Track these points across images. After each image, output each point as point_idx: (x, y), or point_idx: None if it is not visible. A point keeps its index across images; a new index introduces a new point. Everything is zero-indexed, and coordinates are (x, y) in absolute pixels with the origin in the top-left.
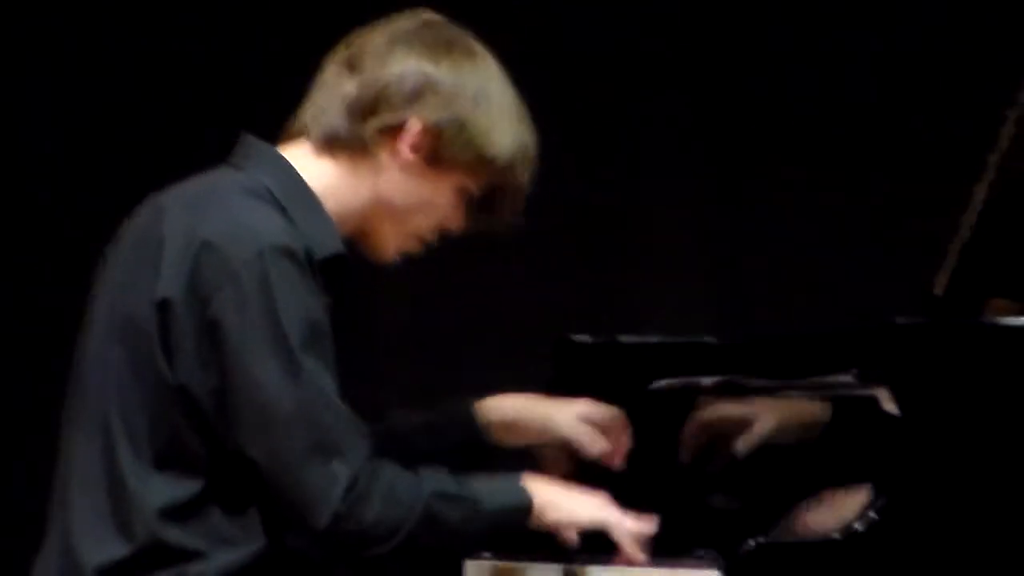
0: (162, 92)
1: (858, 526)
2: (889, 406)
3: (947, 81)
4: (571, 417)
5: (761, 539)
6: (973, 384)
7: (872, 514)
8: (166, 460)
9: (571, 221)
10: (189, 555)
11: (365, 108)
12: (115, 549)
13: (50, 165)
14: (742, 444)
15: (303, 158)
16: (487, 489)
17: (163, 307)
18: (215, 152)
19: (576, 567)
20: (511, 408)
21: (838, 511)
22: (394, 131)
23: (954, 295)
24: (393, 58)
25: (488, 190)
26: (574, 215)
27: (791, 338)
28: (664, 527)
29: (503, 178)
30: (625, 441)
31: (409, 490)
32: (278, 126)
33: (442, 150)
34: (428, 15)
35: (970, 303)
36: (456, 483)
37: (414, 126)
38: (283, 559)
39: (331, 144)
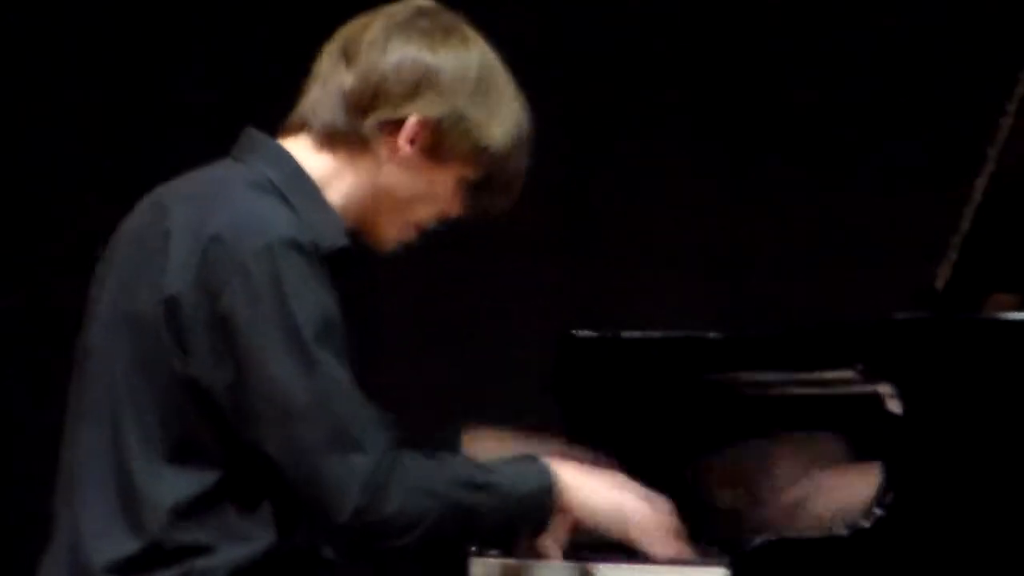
0: (162, 92)
1: (864, 523)
2: (892, 402)
3: (947, 80)
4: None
5: (768, 536)
6: (975, 379)
7: (878, 511)
8: (178, 456)
9: (573, 218)
10: (199, 550)
11: (363, 102)
12: (125, 546)
13: (50, 165)
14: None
15: (303, 151)
16: (510, 471)
17: (172, 303)
18: (215, 150)
19: (584, 564)
20: (483, 452)
21: (844, 508)
22: (393, 126)
23: (955, 290)
24: (390, 47)
25: (487, 176)
26: (576, 212)
27: (794, 333)
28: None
29: (502, 165)
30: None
31: (431, 479)
32: (279, 121)
33: (442, 142)
34: (422, 1)
35: (971, 298)
36: (479, 469)
37: (413, 121)
38: (292, 554)
39: (330, 138)
